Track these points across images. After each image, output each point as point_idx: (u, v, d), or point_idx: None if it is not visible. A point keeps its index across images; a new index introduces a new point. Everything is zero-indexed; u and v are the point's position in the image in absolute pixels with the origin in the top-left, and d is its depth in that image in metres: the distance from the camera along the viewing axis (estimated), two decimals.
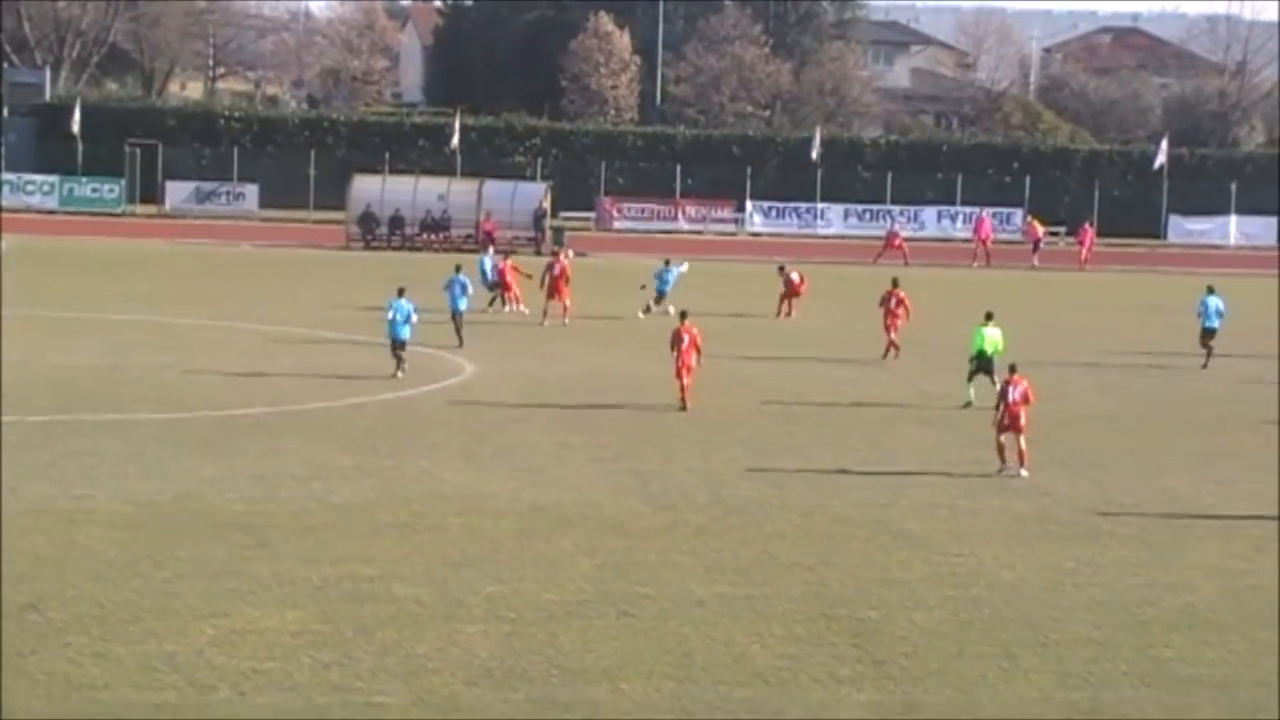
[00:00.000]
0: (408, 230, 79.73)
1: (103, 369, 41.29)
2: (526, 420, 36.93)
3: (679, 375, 38.75)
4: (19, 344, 43.20)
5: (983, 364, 39.61)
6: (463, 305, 47.18)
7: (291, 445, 33.24)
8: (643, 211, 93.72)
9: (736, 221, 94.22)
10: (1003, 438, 32.74)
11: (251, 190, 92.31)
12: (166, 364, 42.74)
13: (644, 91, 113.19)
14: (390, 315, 41.62)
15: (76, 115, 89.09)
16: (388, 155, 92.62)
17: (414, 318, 41.82)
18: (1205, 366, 48.15)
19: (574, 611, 22.97)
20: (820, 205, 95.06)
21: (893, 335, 47.40)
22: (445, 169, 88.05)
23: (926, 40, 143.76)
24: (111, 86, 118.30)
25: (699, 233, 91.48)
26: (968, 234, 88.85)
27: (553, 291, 52.65)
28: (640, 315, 54.15)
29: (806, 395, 41.49)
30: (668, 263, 56.95)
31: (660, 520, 28.30)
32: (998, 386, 34.64)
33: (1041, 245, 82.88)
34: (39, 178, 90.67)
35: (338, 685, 19.91)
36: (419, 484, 30.29)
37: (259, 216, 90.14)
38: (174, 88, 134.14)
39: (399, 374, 41.45)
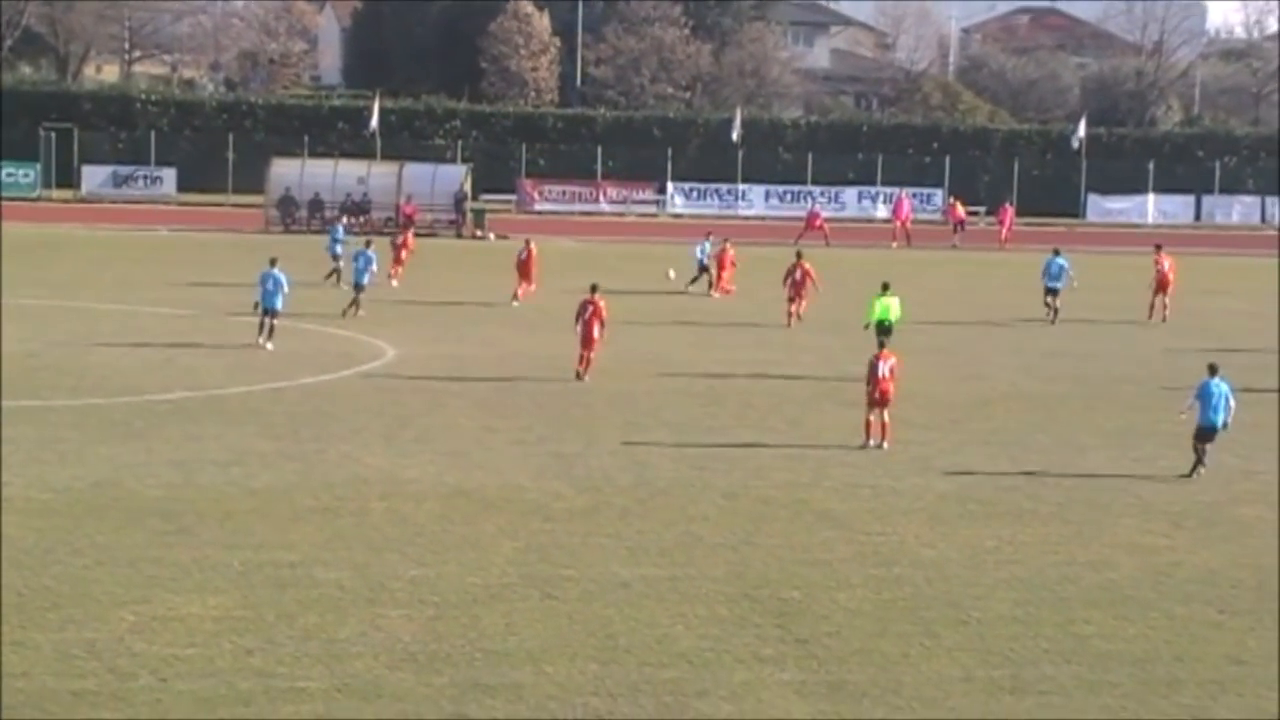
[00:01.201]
0: (327, 213, 79.13)
1: (18, 355, 40.84)
2: (449, 404, 36.83)
3: (584, 346, 40.03)
4: None
5: (883, 330, 41.70)
6: (365, 279, 49.23)
7: (211, 430, 33.02)
8: (564, 193, 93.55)
9: (658, 203, 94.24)
10: (871, 415, 33.15)
11: (169, 174, 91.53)
12: (83, 349, 42.37)
13: (564, 73, 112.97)
14: (261, 285, 43.17)
15: None
16: (307, 138, 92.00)
17: (285, 288, 43.42)
18: (1053, 323, 52.27)
19: (497, 594, 22.94)
20: (741, 186, 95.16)
21: (795, 307, 50.27)
22: (365, 152, 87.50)
23: (846, 21, 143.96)
24: (25, 70, 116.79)
25: (620, 214, 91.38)
26: (888, 214, 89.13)
27: (524, 275, 54.65)
28: (687, 288, 57.61)
29: (729, 376, 41.54)
30: (708, 236, 60.59)
31: (584, 502, 28.29)
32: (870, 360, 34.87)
33: (965, 226, 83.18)
34: None
35: (260, 671, 19.82)
36: (341, 468, 30.15)
37: (177, 200, 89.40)
38: (89, 71, 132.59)
39: (260, 340, 42.80)
